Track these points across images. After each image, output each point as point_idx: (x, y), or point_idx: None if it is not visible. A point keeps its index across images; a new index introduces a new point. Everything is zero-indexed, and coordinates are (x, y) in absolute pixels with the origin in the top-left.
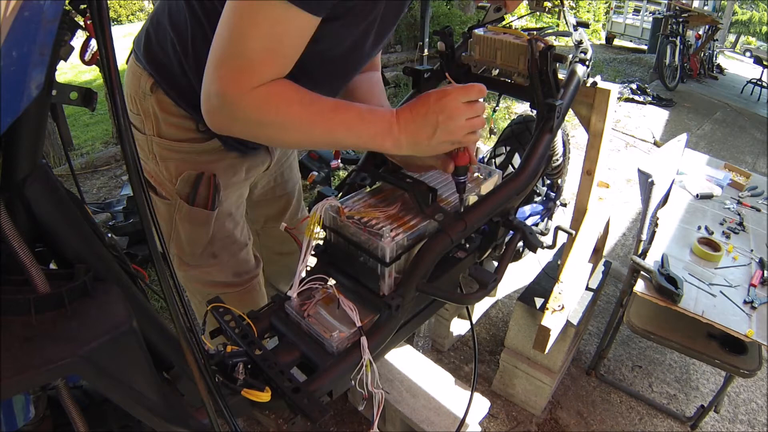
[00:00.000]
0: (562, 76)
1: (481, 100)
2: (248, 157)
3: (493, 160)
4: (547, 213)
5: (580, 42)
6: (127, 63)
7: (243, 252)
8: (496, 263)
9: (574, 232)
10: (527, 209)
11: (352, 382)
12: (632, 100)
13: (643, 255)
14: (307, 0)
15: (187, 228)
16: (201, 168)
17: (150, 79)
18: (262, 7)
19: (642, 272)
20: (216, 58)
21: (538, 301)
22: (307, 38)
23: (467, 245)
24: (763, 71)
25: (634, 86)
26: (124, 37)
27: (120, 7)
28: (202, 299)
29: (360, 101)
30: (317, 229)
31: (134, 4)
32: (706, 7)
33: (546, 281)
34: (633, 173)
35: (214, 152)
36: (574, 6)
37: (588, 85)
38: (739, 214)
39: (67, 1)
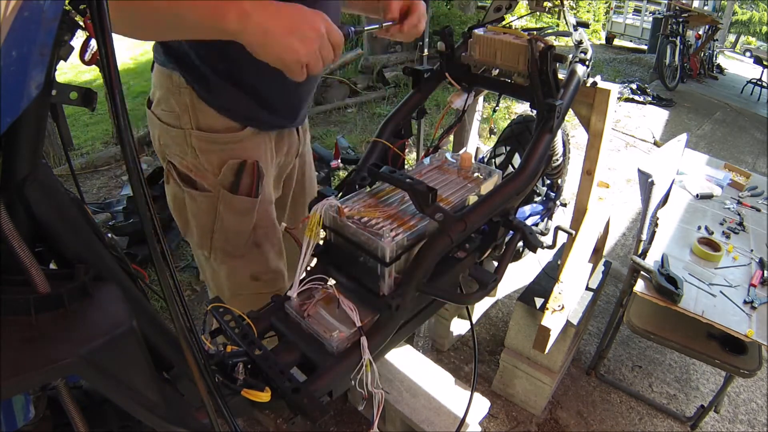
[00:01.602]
0: (562, 76)
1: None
2: (283, 138)
3: (493, 160)
4: (547, 213)
5: (580, 42)
6: (152, 69)
7: (280, 240)
8: (496, 263)
9: (574, 232)
10: (527, 209)
11: (352, 382)
12: (632, 100)
13: (643, 255)
14: None
15: (231, 218)
16: (242, 156)
17: (182, 76)
18: None
19: (642, 272)
20: None
21: (538, 301)
22: None
23: (467, 245)
24: (763, 71)
25: (634, 86)
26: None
27: None
28: (237, 293)
29: None
30: (317, 229)
31: None
32: (706, 7)
33: (546, 281)
34: (633, 173)
35: (252, 138)
36: (574, 6)
37: (588, 85)
38: (739, 214)
39: (67, 1)
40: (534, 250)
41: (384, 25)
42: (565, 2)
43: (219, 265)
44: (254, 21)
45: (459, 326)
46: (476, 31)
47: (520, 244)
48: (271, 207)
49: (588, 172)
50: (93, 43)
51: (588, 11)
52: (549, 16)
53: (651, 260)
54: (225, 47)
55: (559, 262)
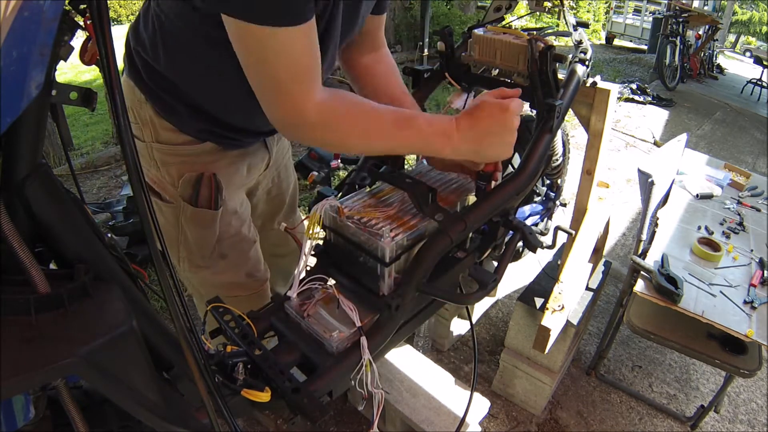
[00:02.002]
0: (562, 76)
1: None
2: (248, 154)
3: None
4: (547, 213)
5: (580, 42)
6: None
7: (252, 250)
8: (496, 263)
9: (574, 232)
10: (527, 209)
11: (352, 382)
12: (632, 100)
13: (643, 255)
14: (293, 15)
15: (193, 230)
16: (201, 169)
17: (142, 91)
18: (268, 41)
19: (642, 272)
20: (263, 94)
21: (538, 301)
22: (315, 39)
23: (467, 245)
24: (763, 71)
25: (634, 86)
26: (123, 37)
27: (120, 7)
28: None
29: (380, 87)
30: (317, 229)
31: (134, 4)
32: (706, 7)
33: (546, 281)
34: (633, 173)
35: (213, 152)
36: (574, 6)
37: (588, 85)
38: (739, 214)
39: (67, 1)
40: (534, 250)
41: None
42: (565, 2)
43: (190, 275)
44: (464, 149)
45: (459, 326)
46: (476, 31)
47: (520, 244)
48: (235, 218)
49: (588, 172)
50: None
51: (588, 11)
52: (549, 16)
53: (651, 260)
54: (186, 82)
55: (559, 262)
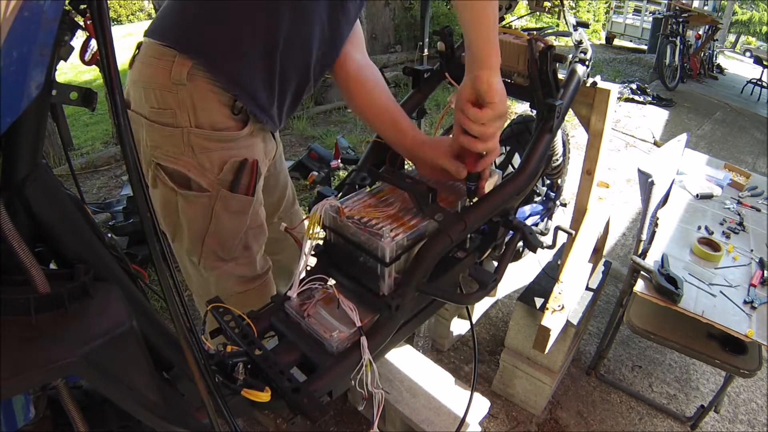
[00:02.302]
0: (562, 76)
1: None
2: (267, 143)
3: (493, 160)
4: (547, 213)
5: (580, 42)
6: (130, 65)
7: (264, 241)
8: (496, 263)
9: (574, 232)
10: (527, 209)
11: (352, 382)
12: (632, 100)
13: (643, 255)
14: None
15: (226, 218)
16: (242, 155)
17: (185, 66)
18: None
19: (642, 272)
20: None
21: (538, 301)
22: None
23: (467, 245)
24: (763, 71)
25: (634, 86)
26: (124, 37)
27: (120, 7)
28: (227, 296)
29: (368, 94)
30: (317, 229)
31: (134, 4)
32: (706, 7)
33: (546, 281)
34: (633, 173)
35: (248, 138)
36: (574, 6)
37: (588, 85)
38: (739, 214)
39: (67, 1)
40: (534, 250)
41: None
42: (565, 2)
43: (208, 271)
44: (498, 80)
45: (459, 326)
46: None
47: (520, 244)
48: (261, 208)
49: (588, 172)
50: (93, 43)
51: (588, 11)
52: (549, 16)
53: (651, 260)
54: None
55: (559, 262)
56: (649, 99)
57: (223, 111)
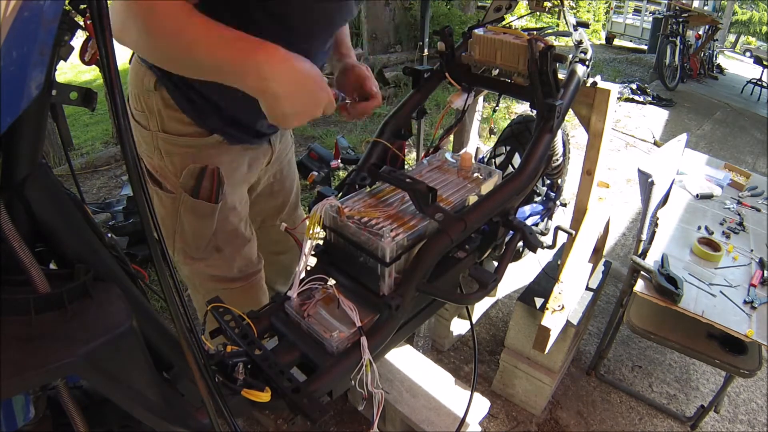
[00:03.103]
0: (562, 76)
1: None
2: (250, 150)
3: (493, 160)
4: (547, 213)
5: (580, 42)
6: (129, 62)
7: (247, 247)
8: (496, 263)
9: (574, 232)
10: (527, 209)
11: (352, 382)
12: (632, 100)
13: (643, 255)
14: None
15: (191, 220)
16: (204, 162)
17: (153, 76)
18: None
19: (642, 272)
20: None
21: (538, 301)
22: None
23: (467, 245)
24: (763, 71)
25: (634, 86)
26: None
27: None
28: (205, 295)
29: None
30: (317, 229)
31: None
32: (706, 7)
33: (546, 281)
34: (633, 173)
35: (217, 146)
36: (574, 6)
37: (588, 85)
38: (739, 214)
39: (67, 1)
40: (534, 250)
41: (339, 103)
42: (565, 2)
43: (182, 266)
44: (270, 89)
45: (459, 326)
46: (476, 31)
47: (520, 244)
48: (234, 214)
49: (588, 172)
50: (93, 43)
51: (588, 11)
52: (549, 16)
53: (651, 260)
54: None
55: (559, 262)
56: (649, 99)
57: (187, 119)
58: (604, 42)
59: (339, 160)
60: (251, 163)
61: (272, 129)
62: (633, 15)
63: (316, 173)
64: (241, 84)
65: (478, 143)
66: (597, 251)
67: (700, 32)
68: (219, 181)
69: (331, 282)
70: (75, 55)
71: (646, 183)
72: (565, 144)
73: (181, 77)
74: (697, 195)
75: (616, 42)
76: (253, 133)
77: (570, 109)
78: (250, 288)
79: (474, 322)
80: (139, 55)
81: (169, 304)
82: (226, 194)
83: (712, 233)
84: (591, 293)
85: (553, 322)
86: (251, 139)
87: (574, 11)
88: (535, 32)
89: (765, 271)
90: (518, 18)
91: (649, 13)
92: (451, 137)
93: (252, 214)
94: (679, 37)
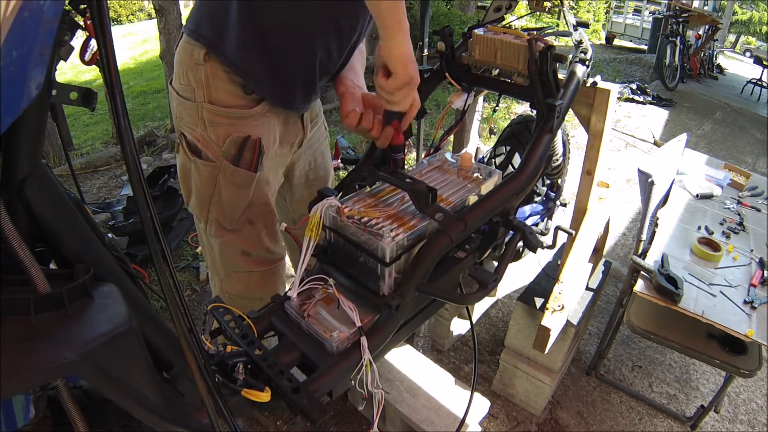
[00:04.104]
0: (562, 76)
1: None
2: (284, 125)
3: (493, 160)
4: (547, 213)
5: (580, 42)
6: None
7: (276, 225)
8: (496, 263)
9: (574, 232)
10: (527, 209)
11: (352, 382)
12: (632, 100)
13: (643, 255)
14: None
15: (229, 190)
16: (247, 132)
17: (203, 49)
18: None
19: (642, 272)
20: None
21: (538, 301)
22: None
23: (467, 245)
24: (763, 71)
25: (634, 86)
26: (124, 37)
27: (120, 7)
28: (231, 271)
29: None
30: (317, 229)
31: (134, 4)
32: (706, 7)
33: (546, 281)
34: (633, 173)
35: (259, 117)
36: (574, 6)
37: (588, 85)
38: (739, 214)
39: (67, 1)
40: (534, 250)
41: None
42: (565, 2)
43: (213, 238)
44: (404, 48)
45: (459, 326)
46: (476, 31)
47: (520, 244)
48: (268, 188)
49: (588, 172)
50: (93, 43)
51: (588, 11)
52: (549, 16)
53: (651, 260)
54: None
55: (559, 262)
56: (649, 99)
57: (235, 90)
58: (604, 42)
59: (339, 160)
60: (282, 139)
61: (304, 107)
62: (633, 15)
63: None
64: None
65: (478, 143)
66: (597, 251)
67: (700, 32)
68: (260, 151)
69: (331, 282)
70: (75, 55)
71: (646, 183)
72: (565, 144)
73: (233, 49)
74: (697, 195)
75: (616, 42)
76: (282, 94)
77: (570, 109)
78: (272, 274)
79: (474, 322)
80: (187, 33)
81: (169, 304)
82: (264, 167)
83: (712, 233)
84: (591, 293)
85: (553, 322)
86: (280, 101)
87: (574, 11)
88: (535, 32)
89: (765, 271)
90: (518, 18)
91: (649, 13)
92: (451, 137)
93: (293, 208)
94: (679, 37)
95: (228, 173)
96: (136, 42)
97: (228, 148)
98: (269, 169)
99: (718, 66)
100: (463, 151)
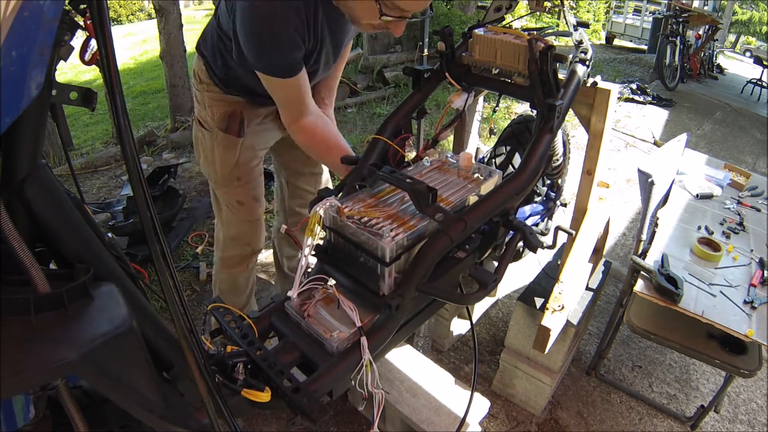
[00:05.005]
0: (562, 76)
1: None
2: (264, 106)
3: (493, 160)
4: (547, 213)
5: (580, 42)
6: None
7: (259, 179)
8: (496, 263)
9: (574, 232)
10: (527, 209)
11: (352, 382)
12: (632, 100)
13: (643, 255)
14: (289, 73)
15: (221, 152)
16: (233, 109)
17: (201, 62)
18: (278, 86)
19: (642, 272)
20: (277, 107)
21: (538, 301)
22: (304, 82)
23: (467, 245)
24: (763, 71)
25: (634, 86)
26: (124, 37)
27: (120, 7)
28: (228, 219)
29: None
30: (317, 229)
31: (134, 4)
32: (706, 7)
33: (546, 281)
34: (633, 173)
35: (242, 103)
36: (574, 6)
37: (588, 85)
38: (739, 214)
39: (67, 1)
40: (534, 250)
41: None
42: (565, 2)
43: (215, 190)
44: None
45: (459, 326)
46: (476, 31)
47: (520, 244)
48: (252, 153)
49: (588, 172)
50: (93, 43)
51: (588, 11)
52: (549, 16)
53: (651, 260)
54: (232, 68)
55: (559, 262)
56: (649, 99)
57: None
58: (604, 42)
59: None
60: (267, 115)
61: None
62: (633, 15)
63: None
64: None
65: (478, 143)
66: (597, 251)
67: (700, 32)
68: (242, 121)
69: (331, 282)
70: (75, 55)
71: (646, 183)
72: (565, 144)
73: (221, 75)
74: (697, 195)
75: (616, 42)
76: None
77: (570, 109)
78: (256, 225)
79: (474, 322)
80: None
81: (169, 304)
82: (247, 135)
83: (712, 233)
84: (591, 293)
85: (553, 322)
86: (260, 99)
87: (574, 11)
88: (535, 32)
89: (765, 271)
90: (518, 18)
91: (649, 13)
92: (451, 137)
93: (283, 162)
94: (679, 37)
95: (219, 138)
96: (136, 42)
97: (219, 121)
98: (253, 139)
99: (718, 66)
100: (463, 151)
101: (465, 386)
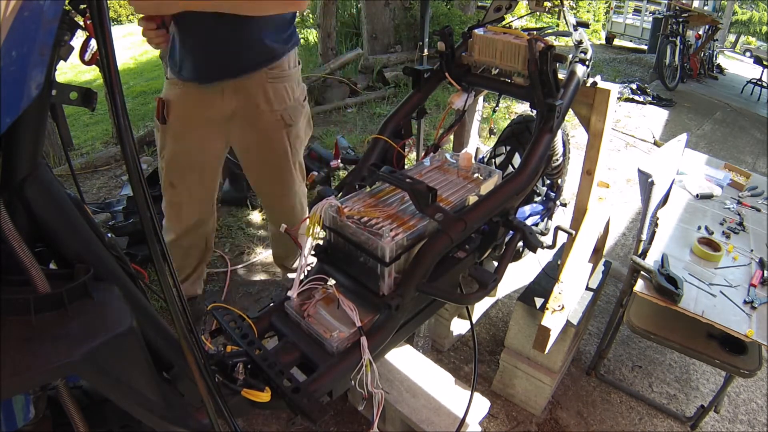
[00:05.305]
0: (562, 76)
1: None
2: (202, 91)
3: (493, 160)
4: (547, 213)
5: (580, 42)
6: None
7: (198, 189)
8: (496, 263)
9: (574, 232)
10: (527, 209)
11: (352, 382)
12: (632, 100)
13: (643, 255)
14: None
15: (158, 136)
16: (166, 97)
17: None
18: None
19: (642, 272)
20: None
21: (538, 301)
22: None
23: (467, 245)
24: (763, 71)
25: (634, 86)
26: (124, 37)
27: (120, 7)
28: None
29: None
30: (317, 229)
31: None
32: (706, 7)
33: (546, 281)
34: (633, 173)
35: (174, 86)
36: (574, 6)
37: (588, 85)
38: (739, 214)
39: (67, 1)
40: (534, 250)
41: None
42: (565, 2)
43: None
44: None
45: (459, 326)
46: (476, 31)
47: (520, 244)
48: (183, 154)
49: (588, 172)
50: (93, 43)
51: (588, 11)
52: (549, 16)
53: (651, 260)
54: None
55: (559, 262)
56: (649, 99)
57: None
58: (604, 42)
59: (339, 160)
60: (204, 103)
61: (218, 75)
62: (633, 15)
63: (316, 173)
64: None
65: (478, 143)
66: (597, 251)
67: (700, 32)
68: (164, 107)
69: (331, 282)
70: (75, 55)
71: (646, 183)
72: (565, 144)
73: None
74: (697, 195)
75: (616, 42)
76: (194, 70)
77: (570, 109)
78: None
79: (474, 322)
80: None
81: (169, 304)
82: (183, 134)
83: (712, 233)
84: (591, 293)
85: (553, 322)
86: (195, 75)
87: (574, 11)
88: (535, 32)
89: (765, 271)
90: (518, 18)
91: (649, 13)
92: (451, 137)
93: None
94: (679, 37)
95: (157, 125)
96: (136, 42)
97: (156, 109)
98: (183, 122)
99: (718, 66)
100: (463, 151)
101: (465, 386)
